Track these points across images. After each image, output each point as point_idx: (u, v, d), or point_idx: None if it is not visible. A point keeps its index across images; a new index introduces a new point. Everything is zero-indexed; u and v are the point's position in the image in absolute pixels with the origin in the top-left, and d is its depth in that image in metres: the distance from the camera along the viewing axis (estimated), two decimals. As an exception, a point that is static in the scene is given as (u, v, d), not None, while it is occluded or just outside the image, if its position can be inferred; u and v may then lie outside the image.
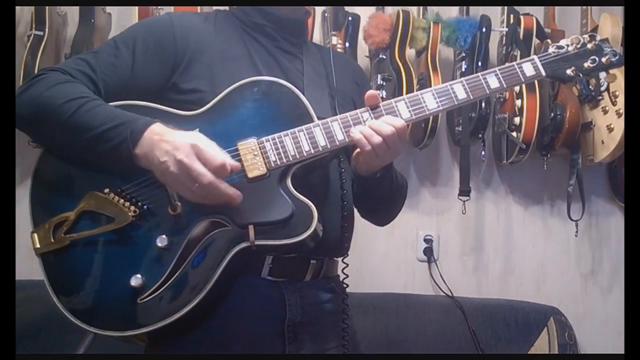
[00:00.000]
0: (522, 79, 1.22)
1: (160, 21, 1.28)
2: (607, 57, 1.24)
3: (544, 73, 1.23)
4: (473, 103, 2.12)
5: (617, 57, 1.25)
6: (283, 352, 1.18)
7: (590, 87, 2.13)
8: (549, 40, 1.30)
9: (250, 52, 1.26)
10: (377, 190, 1.27)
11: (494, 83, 1.21)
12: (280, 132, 1.13)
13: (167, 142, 1.06)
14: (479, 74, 1.21)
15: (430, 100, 1.18)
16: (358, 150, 1.18)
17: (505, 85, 1.21)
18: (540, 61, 1.23)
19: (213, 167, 1.05)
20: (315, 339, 1.22)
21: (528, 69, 1.22)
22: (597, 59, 1.24)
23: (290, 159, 1.12)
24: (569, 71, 1.24)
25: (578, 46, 1.25)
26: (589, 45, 1.25)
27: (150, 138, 1.08)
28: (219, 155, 1.06)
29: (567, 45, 1.26)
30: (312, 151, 1.14)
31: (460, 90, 1.19)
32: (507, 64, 1.24)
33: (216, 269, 1.07)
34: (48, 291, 1.11)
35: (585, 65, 1.24)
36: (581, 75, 1.24)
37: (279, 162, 1.12)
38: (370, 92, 1.19)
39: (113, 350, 1.24)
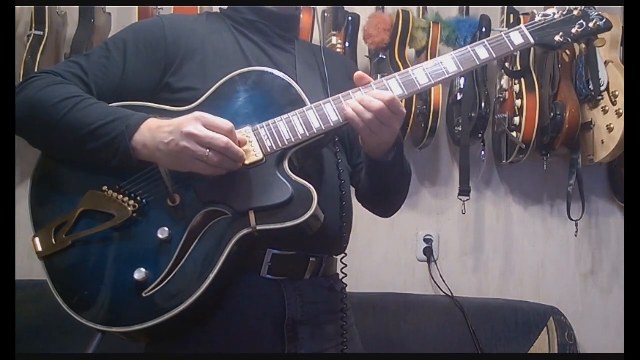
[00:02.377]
0: (511, 48, 1.23)
1: (151, 23, 1.30)
2: (594, 21, 1.25)
3: (532, 40, 1.23)
4: (473, 103, 2.14)
5: (604, 21, 1.26)
6: (282, 351, 1.18)
7: (590, 87, 2.13)
8: (535, 11, 1.31)
9: (243, 48, 1.27)
10: (388, 174, 1.28)
11: (483, 54, 1.21)
12: (275, 118, 1.14)
13: (167, 126, 1.07)
14: (468, 46, 1.22)
15: (421, 76, 1.19)
16: None
17: (494, 55, 1.22)
18: (528, 29, 1.24)
19: (225, 130, 1.06)
20: (315, 338, 1.22)
21: (516, 38, 1.23)
22: (584, 24, 1.25)
23: (286, 143, 1.13)
24: (557, 37, 1.25)
25: (564, 13, 1.27)
26: (575, 12, 1.27)
27: (148, 129, 1.08)
28: (226, 121, 1.08)
29: (554, 14, 1.27)
30: (307, 134, 1.14)
31: (450, 63, 1.20)
32: (495, 35, 1.25)
33: (219, 258, 1.07)
34: (48, 291, 1.11)
35: (574, 30, 1.25)
36: (570, 40, 1.25)
37: (274, 147, 1.13)
38: (359, 72, 1.19)
39: (113, 350, 1.24)
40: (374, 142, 1.19)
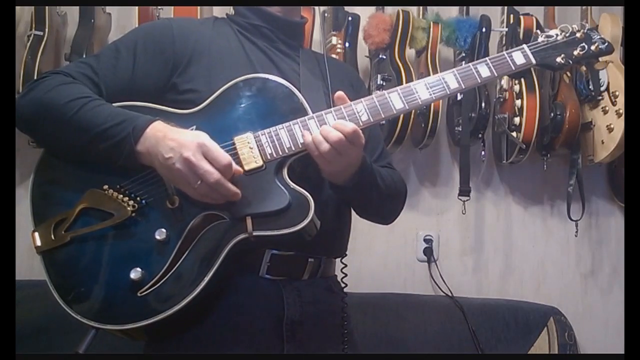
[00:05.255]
0: (513, 67, 1.24)
1: (159, 25, 1.32)
2: (596, 44, 1.26)
3: (534, 61, 1.25)
4: (473, 103, 2.14)
5: (605, 45, 1.27)
6: (281, 351, 1.18)
7: (590, 87, 2.13)
8: (538, 31, 1.32)
9: (247, 52, 1.28)
10: (356, 195, 1.24)
11: (485, 72, 1.22)
12: (276, 126, 1.14)
13: (171, 140, 1.07)
14: (470, 64, 1.23)
15: (422, 91, 1.19)
16: None
17: (496, 74, 1.23)
18: (530, 49, 1.25)
19: (221, 166, 1.06)
20: (314, 338, 1.22)
21: (518, 58, 1.24)
22: (586, 46, 1.26)
23: (286, 151, 1.14)
24: (558, 59, 1.26)
25: (567, 35, 1.28)
26: (578, 34, 1.28)
27: (154, 135, 1.09)
28: (226, 155, 1.08)
29: (557, 35, 1.28)
30: None
31: (452, 80, 1.21)
32: (497, 54, 1.26)
33: (215, 261, 1.08)
34: (48, 291, 1.12)
35: (575, 52, 1.26)
36: (571, 62, 1.26)
37: (275, 155, 1.13)
38: (339, 93, 1.16)
39: (113, 350, 1.25)
40: (328, 170, 1.17)
